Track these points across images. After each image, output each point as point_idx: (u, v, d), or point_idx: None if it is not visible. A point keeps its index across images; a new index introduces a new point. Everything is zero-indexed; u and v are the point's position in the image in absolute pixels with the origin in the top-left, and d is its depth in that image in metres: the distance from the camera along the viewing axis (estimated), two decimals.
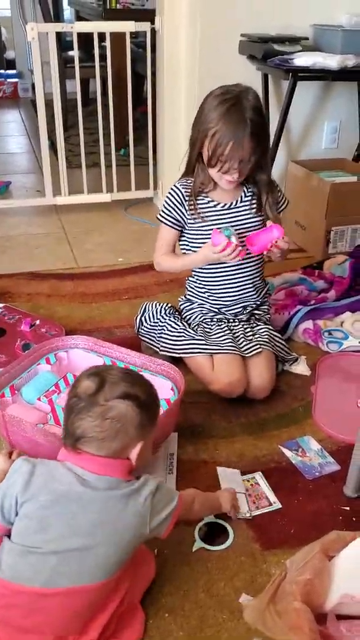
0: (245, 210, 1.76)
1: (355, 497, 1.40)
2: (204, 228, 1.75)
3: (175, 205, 1.76)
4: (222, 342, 1.72)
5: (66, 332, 1.95)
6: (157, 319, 1.84)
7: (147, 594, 1.17)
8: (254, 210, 1.77)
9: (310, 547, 1.10)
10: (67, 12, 5.30)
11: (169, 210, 1.77)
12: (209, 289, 1.82)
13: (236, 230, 1.72)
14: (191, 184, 1.74)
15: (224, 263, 1.74)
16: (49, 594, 0.98)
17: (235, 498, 1.34)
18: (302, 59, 2.39)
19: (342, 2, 2.62)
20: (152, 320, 1.85)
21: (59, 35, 3.16)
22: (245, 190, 1.76)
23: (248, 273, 1.80)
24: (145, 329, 1.86)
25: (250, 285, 1.81)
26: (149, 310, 1.88)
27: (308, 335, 1.99)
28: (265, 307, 1.90)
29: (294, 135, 2.86)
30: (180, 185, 1.76)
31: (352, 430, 1.41)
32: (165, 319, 1.83)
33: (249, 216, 1.76)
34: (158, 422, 1.15)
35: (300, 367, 1.86)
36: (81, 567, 1.00)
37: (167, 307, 1.87)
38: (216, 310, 1.83)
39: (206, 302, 1.84)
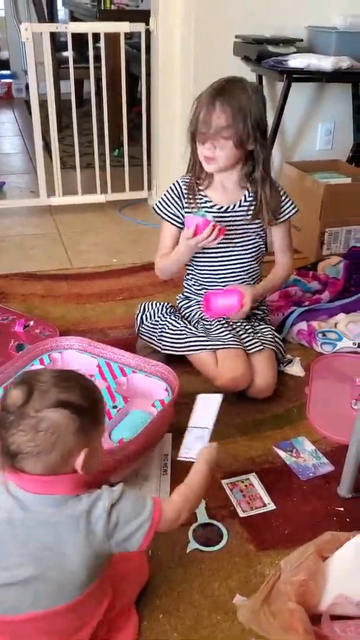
0: (242, 215, 1.74)
1: (349, 497, 1.40)
2: None
3: (172, 198, 1.75)
4: (224, 337, 1.72)
5: (60, 333, 1.94)
6: (158, 317, 1.83)
7: (141, 595, 1.16)
8: (250, 217, 1.74)
9: (304, 547, 1.11)
10: (62, 12, 5.29)
11: (166, 204, 1.76)
12: (204, 285, 1.82)
13: (230, 236, 1.71)
14: (189, 177, 1.74)
15: (213, 254, 1.74)
16: (19, 620, 0.97)
17: (210, 454, 1.21)
18: (297, 61, 2.40)
19: (336, 4, 2.63)
20: (152, 319, 1.84)
21: (53, 36, 3.16)
22: (246, 195, 1.74)
23: (242, 268, 1.78)
24: (145, 328, 1.84)
25: (246, 281, 1.80)
26: (148, 309, 1.86)
27: (302, 337, 1.99)
28: (265, 307, 1.91)
29: (288, 137, 2.87)
30: (181, 180, 1.76)
31: (346, 431, 1.41)
32: (165, 318, 1.82)
33: (244, 222, 1.75)
34: (103, 421, 1.05)
35: (295, 368, 1.86)
36: (37, 595, 0.96)
37: (167, 306, 1.86)
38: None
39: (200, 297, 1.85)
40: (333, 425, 1.61)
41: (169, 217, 1.76)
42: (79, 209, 3.00)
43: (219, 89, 1.58)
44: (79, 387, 0.99)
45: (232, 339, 1.71)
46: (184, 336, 1.75)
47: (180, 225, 1.76)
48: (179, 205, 1.75)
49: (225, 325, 1.77)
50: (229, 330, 1.74)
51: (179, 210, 1.75)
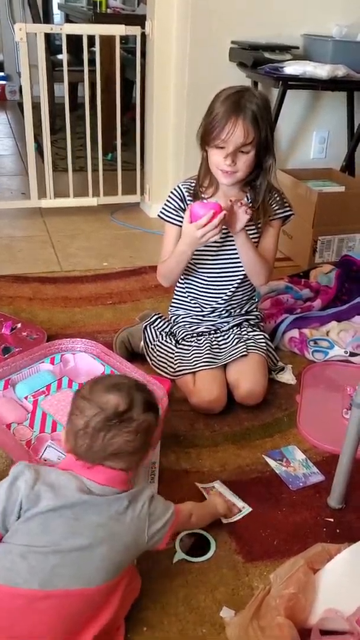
0: None
1: (339, 508, 1.38)
2: None
3: (176, 202, 1.72)
4: (204, 355, 1.71)
5: (48, 337, 1.91)
6: (154, 344, 1.82)
7: None
8: (250, 220, 1.69)
9: (295, 560, 1.08)
10: (58, 16, 5.28)
11: (172, 207, 1.73)
12: (198, 296, 1.80)
13: (230, 241, 1.69)
14: (194, 184, 1.71)
15: (212, 259, 1.72)
16: (45, 596, 0.96)
17: (226, 501, 1.36)
18: (292, 68, 2.40)
19: (332, 13, 2.64)
20: (151, 343, 1.83)
21: (48, 39, 3.13)
22: (246, 200, 1.70)
23: (239, 275, 1.76)
24: (150, 354, 1.81)
25: (241, 290, 1.79)
26: (148, 334, 1.84)
27: (294, 344, 1.97)
28: (258, 312, 1.89)
29: (283, 144, 2.86)
30: (182, 185, 1.73)
31: (337, 440, 1.38)
32: (160, 344, 1.81)
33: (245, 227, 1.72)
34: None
35: (286, 376, 1.84)
36: (80, 568, 1.00)
37: (159, 330, 1.84)
38: (200, 317, 1.82)
39: (190, 308, 1.83)
40: (324, 434, 1.59)
41: (175, 219, 1.72)
42: (69, 212, 2.97)
43: (235, 104, 1.54)
44: (152, 392, 1.14)
45: (209, 357, 1.70)
46: (175, 363, 1.75)
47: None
48: (181, 208, 1.71)
49: (210, 337, 1.77)
50: (211, 345, 1.74)
51: (182, 212, 1.70)
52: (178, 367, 1.73)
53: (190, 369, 1.70)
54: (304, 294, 2.22)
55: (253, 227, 1.71)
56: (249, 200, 1.71)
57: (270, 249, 1.77)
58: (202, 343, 1.76)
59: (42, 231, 2.84)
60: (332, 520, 1.35)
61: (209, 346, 1.75)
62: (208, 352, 1.72)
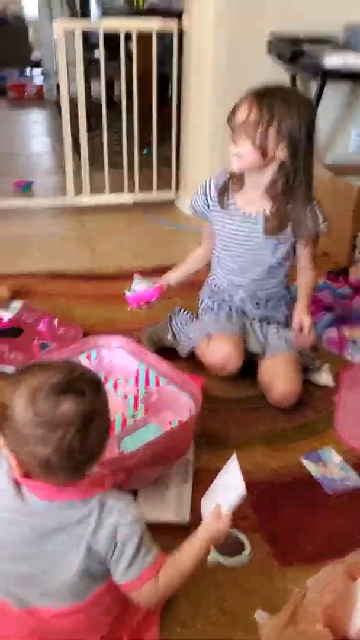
0: (259, 227, 1.67)
1: None
2: (225, 224, 1.73)
3: (200, 194, 1.77)
4: (219, 319, 1.73)
5: (84, 333, 1.91)
6: (180, 328, 1.86)
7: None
8: (266, 230, 1.66)
9: (333, 566, 1.04)
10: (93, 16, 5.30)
11: (196, 199, 1.79)
12: (223, 293, 1.81)
13: (246, 247, 1.70)
14: (226, 175, 1.71)
15: (231, 264, 1.74)
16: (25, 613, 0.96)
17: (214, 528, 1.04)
18: (333, 60, 2.32)
19: None
20: (177, 330, 1.86)
21: (85, 36, 3.14)
22: (268, 208, 1.65)
23: (256, 280, 1.74)
24: (177, 335, 1.86)
25: (262, 274, 1.74)
26: (174, 323, 1.89)
27: (332, 344, 1.92)
28: (288, 313, 1.85)
29: (321, 138, 2.80)
30: (213, 179, 1.75)
31: None
32: (186, 325, 1.85)
33: (259, 234, 1.68)
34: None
35: (323, 376, 1.79)
36: (42, 591, 0.95)
37: (185, 316, 1.89)
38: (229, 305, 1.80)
39: (222, 297, 1.82)
40: None
41: (197, 211, 1.81)
42: (105, 210, 2.97)
43: (258, 89, 1.56)
44: (86, 370, 0.98)
45: (227, 325, 1.70)
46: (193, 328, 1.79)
47: (206, 218, 1.80)
48: (204, 200, 1.76)
49: (243, 324, 1.76)
50: (242, 325, 1.75)
51: (203, 206, 1.77)
52: (195, 333, 1.75)
53: (207, 330, 1.71)
54: (343, 292, 2.17)
55: (274, 241, 1.68)
56: (269, 212, 1.66)
57: (308, 266, 1.74)
58: (221, 313, 1.77)
59: (78, 228, 2.84)
60: None
61: (229, 317, 1.75)
62: (228, 320, 1.73)
